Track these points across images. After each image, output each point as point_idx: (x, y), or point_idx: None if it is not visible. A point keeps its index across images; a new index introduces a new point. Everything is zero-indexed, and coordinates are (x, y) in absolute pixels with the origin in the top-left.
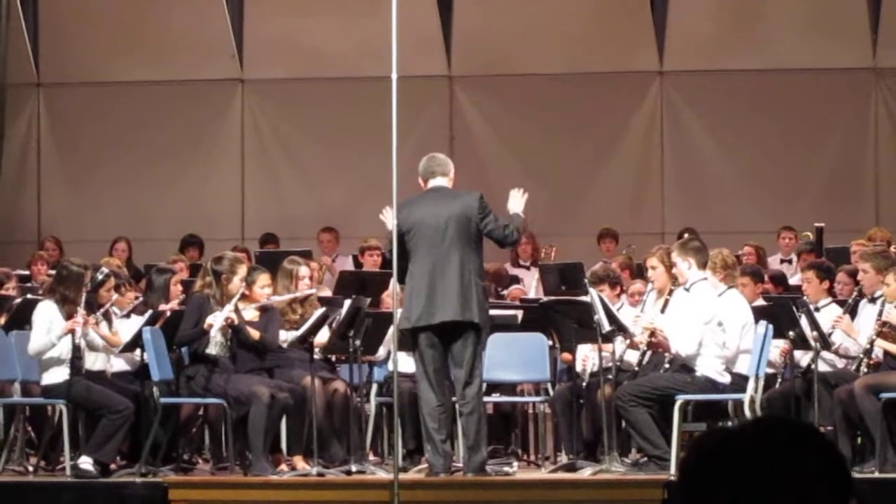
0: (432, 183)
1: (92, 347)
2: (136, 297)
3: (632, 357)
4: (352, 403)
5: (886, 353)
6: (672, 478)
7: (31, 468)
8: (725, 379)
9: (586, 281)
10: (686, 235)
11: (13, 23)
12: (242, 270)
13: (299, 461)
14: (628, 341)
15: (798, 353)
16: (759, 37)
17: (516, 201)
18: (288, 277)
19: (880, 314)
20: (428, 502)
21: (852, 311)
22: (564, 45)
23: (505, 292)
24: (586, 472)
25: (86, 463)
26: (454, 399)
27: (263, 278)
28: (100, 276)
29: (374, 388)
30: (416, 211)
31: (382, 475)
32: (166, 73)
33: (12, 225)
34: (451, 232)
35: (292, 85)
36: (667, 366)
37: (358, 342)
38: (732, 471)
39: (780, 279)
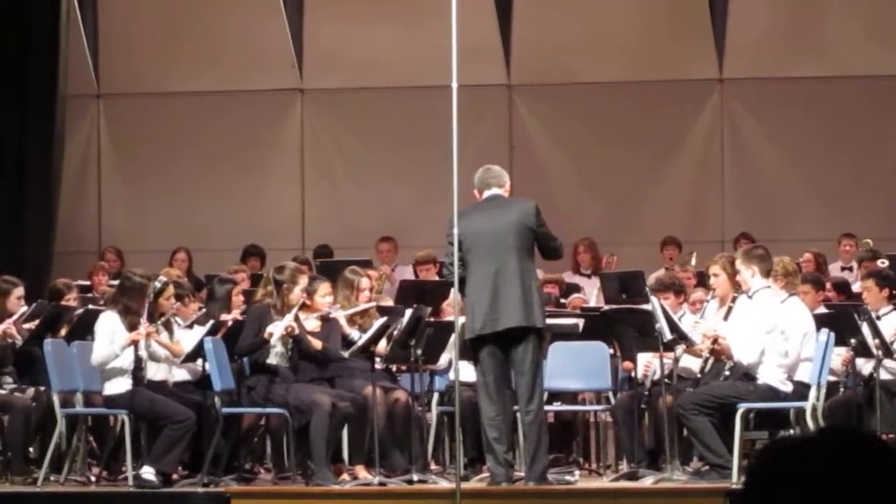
0: (487, 194)
1: (154, 358)
2: (199, 308)
3: (693, 364)
4: (413, 413)
5: None
6: (734, 486)
7: (93, 478)
8: (787, 387)
9: (647, 289)
10: (742, 241)
11: (73, 34)
12: (303, 280)
13: (361, 471)
14: (688, 350)
15: (860, 361)
16: (820, 44)
17: None
18: (349, 288)
19: None
20: None
21: None
22: (624, 53)
23: (566, 301)
24: (648, 481)
25: (148, 473)
26: (515, 408)
27: (324, 288)
28: (158, 285)
29: (436, 397)
30: (473, 221)
31: (444, 484)
32: (226, 83)
33: (73, 236)
34: (510, 240)
35: (351, 94)
36: (727, 373)
37: (419, 351)
38: (797, 480)
39: (842, 286)
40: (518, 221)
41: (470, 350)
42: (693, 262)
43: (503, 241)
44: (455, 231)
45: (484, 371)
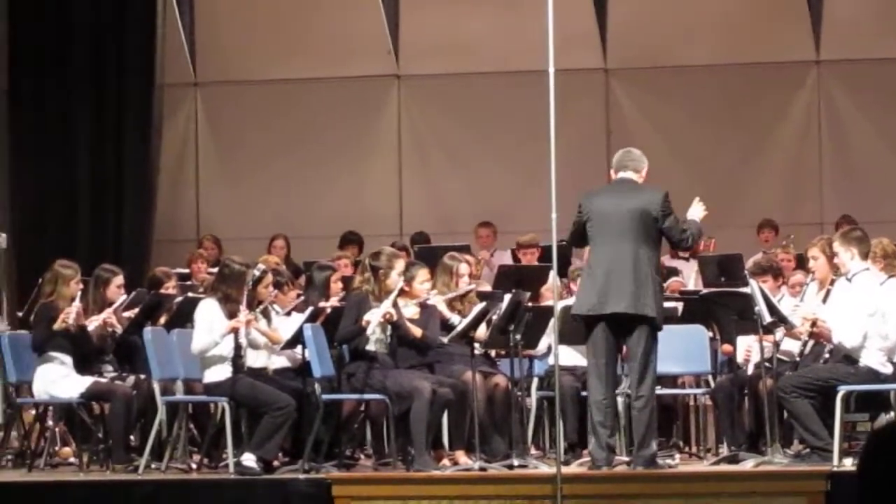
0: (621, 175)
1: (253, 346)
2: (298, 296)
3: (792, 347)
4: (513, 398)
5: None
6: (835, 469)
7: (194, 466)
8: (888, 369)
9: (746, 272)
10: (844, 224)
11: (169, 23)
12: (400, 265)
13: (461, 456)
14: (787, 334)
15: None
16: None
17: (696, 210)
18: (448, 274)
19: None
20: (591, 496)
21: None
22: (720, 35)
23: (664, 285)
24: (749, 464)
25: (249, 460)
26: (626, 392)
27: (423, 274)
28: (256, 273)
29: (535, 382)
30: (598, 201)
31: (545, 469)
32: (322, 70)
33: (171, 224)
34: (629, 225)
35: (448, 80)
36: (826, 356)
37: (518, 336)
38: None
39: None
40: (642, 208)
41: (583, 330)
42: (791, 244)
43: (623, 225)
44: (553, 217)
45: (595, 353)
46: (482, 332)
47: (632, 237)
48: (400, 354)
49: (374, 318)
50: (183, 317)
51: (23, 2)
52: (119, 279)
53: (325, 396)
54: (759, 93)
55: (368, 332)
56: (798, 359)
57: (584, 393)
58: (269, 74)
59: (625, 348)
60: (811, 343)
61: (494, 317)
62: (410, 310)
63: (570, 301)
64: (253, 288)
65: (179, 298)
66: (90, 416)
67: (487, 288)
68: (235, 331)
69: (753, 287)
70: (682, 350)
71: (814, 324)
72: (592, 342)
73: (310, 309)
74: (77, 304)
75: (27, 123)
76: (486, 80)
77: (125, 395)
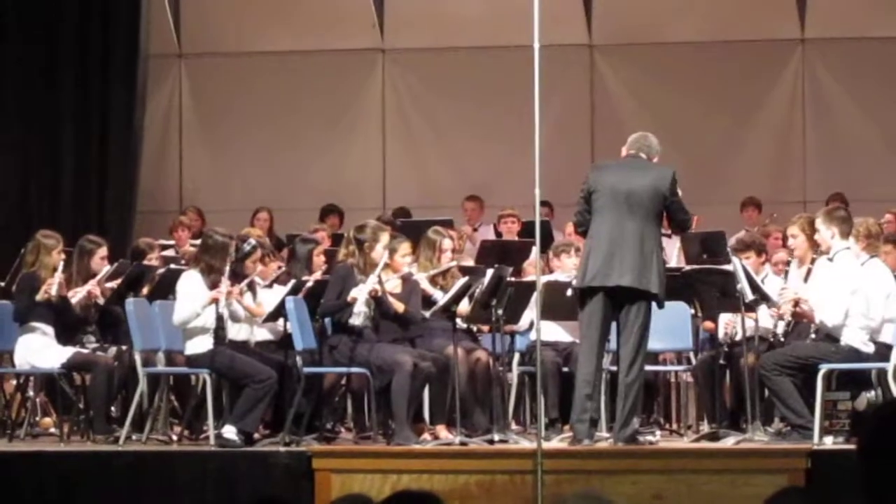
0: (633, 153)
1: (234, 318)
2: (279, 267)
3: (769, 324)
4: (494, 373)
5: None
6: (815, 447)
7: (174, 437)
8: (869, 348)
9: (729, 249)
10: (834, 202)
11: None
12: (385, 238)
13: (442, 430)
14: (777, 314)
15: None
16: None
17: None
18: (431, 248)
19: None
20: (571, 471)
21: None
22: (705, 12)
23: None
24: (729, 442)
25: (229, 432)
26: (609, 368)
27: (404, 247)
28: (247, 248)
29: (517, 357)
30: (607, 175)
31: (525, 444)
32: (307, 43)
33: (154, 195)
34: (638, 200)
35: (433, 54)
36: (812, 336)
37: (500, 311)
38: None
39: None
40: (651, 185)
41: (578, 301)
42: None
43: (632, 201)
44: (536, 192)
45: (590, 325)
46: (464, 306)
47: (639, 213)
48: (382, 328)
49: (360, 294)
50: (165, 288)
51: None
52: (103, 250)
53: (306, 369)
54: (744, 71)
55: (355, 308)
56: (783, 339)
57: (565, 368)
58: (254, 47)
59: (615, 324)
60: (791, 322)
61: (477, 291)
62: (392, 283)
63: (553, 277)
64: (240, 261)
65: (162, 270)
66: (71, 386)
67: (470, 262)
68: (216, 301)
69: (736, 264)
70: (664, 327)
71: (796, 304)
72: (588, 314)
73: (292, 282)
74: (59, 274)
75: (11, 93)
76: (471, 55)
77: (107, 365)
